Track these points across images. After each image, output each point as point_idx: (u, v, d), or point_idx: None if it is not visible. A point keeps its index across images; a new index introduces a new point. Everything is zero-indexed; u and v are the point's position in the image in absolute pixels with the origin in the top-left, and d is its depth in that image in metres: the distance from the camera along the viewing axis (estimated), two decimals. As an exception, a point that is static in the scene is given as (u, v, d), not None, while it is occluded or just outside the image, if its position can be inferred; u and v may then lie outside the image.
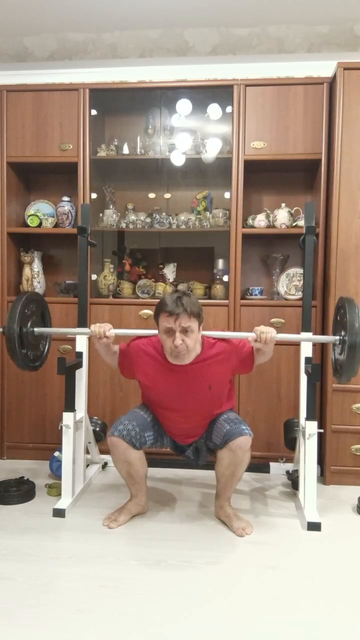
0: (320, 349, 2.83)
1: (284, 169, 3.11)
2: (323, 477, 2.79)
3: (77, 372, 2.55)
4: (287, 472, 2.76)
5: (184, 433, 2.36)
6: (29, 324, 2.31)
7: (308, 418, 2.34)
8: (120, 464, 2.27)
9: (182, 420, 2.31)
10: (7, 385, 3.07)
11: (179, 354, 2.12)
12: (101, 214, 3.16)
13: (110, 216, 3.13)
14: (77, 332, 2.59)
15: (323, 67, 2.87)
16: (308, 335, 2.52)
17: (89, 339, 2.73)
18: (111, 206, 3.21)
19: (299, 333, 2.64)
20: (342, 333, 2.13)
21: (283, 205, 2.99)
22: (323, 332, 2.86)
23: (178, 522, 2.32)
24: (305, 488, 2.32)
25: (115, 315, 2.99)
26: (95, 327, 2.26)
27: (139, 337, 2.34)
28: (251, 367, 2.30)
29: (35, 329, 2.35)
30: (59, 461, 2.64)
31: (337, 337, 2.19)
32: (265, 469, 2.93)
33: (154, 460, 2.75)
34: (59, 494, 2.47)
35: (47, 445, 3.00)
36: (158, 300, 2.21)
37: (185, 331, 2.09)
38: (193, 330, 2.11)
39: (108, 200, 3.24)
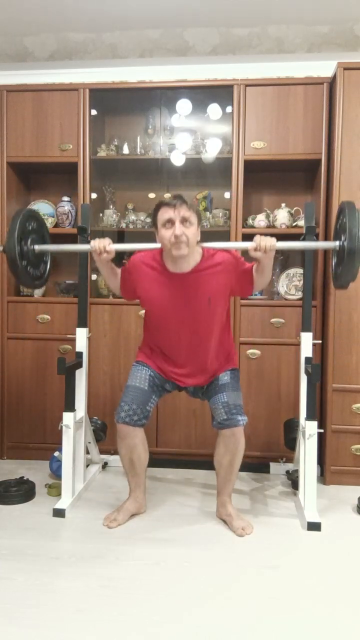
0: (320, 349, 2.83)
1: (284, 169, 3.11)
2: (323, 477, 2.79)
3: (77, 372, 2.55)
4: (287, 472, 2.76)
5: (185, 370, 2.30)
6: (29, 242, 2.27)
7: (308, 418, 2.34)
8: (124, 450, 2.30)
9: (182, 342, 2.25)
10: (7, 385, 3.07)
11: (179, 245, 2.09)
12: (101, 214, 3.16)
13: (110, 216, 3.13)
14: (78, 248, 2.57)
15: (323, 67, 2.87)
16: (310, 242, 2.49)
17: (89, 339, 2.74)
18: (111, 206, 3.21)
19: (299, 333, 2.64)
20: (342, 238, 2.12)
21: (283, 205, 2.99)
22: (323, 332, 2.86)
23: (178, 522, 2.32)
24: (305, 488, 2.32)
25: (115, 315, 2.99)
26: (95, 242, 2.24)
27: (140, 252, 2.34)
28: (250, 285, 2.26)
29: (36, 247, 2.31)
30: (59, 461, 2.64)
31: (337, 243, 2.18)
32: (265, 469, 2.93)
33: (154, 460, 2.74)
34: (59, 494, 2.47)
35: (47, 445, 3.00)
36: None
37: (184, 221, 2.09)
38: (192, 223, 2.11)
39: (108, 200, 3.24)
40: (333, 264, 2.29)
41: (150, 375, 2.33)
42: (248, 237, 2.92)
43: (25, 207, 3.21)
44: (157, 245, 2.21)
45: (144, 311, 2.41)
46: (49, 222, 3.11)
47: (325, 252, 2.83)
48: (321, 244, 2.68)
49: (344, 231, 2.09)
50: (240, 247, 2.31)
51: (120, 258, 3.26)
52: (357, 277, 2.12)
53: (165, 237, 2.11)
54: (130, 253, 2.39)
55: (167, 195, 2.15)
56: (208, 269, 2.20)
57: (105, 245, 2.22)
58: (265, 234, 2.98)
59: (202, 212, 3.11)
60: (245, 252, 2.20)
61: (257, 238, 2.13)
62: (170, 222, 2.09)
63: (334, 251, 2.25)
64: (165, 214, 2.11)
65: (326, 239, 2.82)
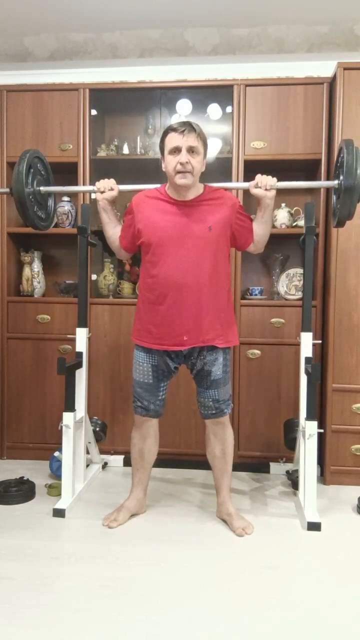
0: (320, 349, 2.83)
1: (284, 169, 3.10)
2: (323, 477, 2.79)
3: (77, 372, 2.55)
4: (287, 472, 2.76)
5: (181, 322, 2.19)
6: (35, 183, 2.32)
7: (308, 418, 2.34)
8: (136, 439, 2.36)
9: (180, 278, 2.16)
10: (7, 385, 3.07)
11: (184, 174, 2.10)
12: (100, 215, 3.14)
13: (110, 216, 3.13)
14: (82, 189, 2.67)
15: (323, 67, 2.88)
16: (310, 182, 2.54)
17: (89, 339, 2.74)
18: (111, 206, 3.21)
19: (299, 333, 2.64)
20: (341, 177, 2.14)
21: (283, 205, 2.99)
22: (323, 332, 2.86)
23: (178, 522, 2.32)
24: (305, 488, 2.32)
25: (116, 315, 2.99)
26: (100, 182, 2.30)
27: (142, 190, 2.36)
28: (250, 235, 2.28)
29: (42, 188, 2.35)
30: (59, 461, 2.64)
31: (336, 182, 2.20)
32: (265, 469, 2.93)
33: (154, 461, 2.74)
34: (59, 494, 2.47)
35: (47, 445, 3.00)
36: None
37: (191, 151, 2.10)
38: (199, 153, 2.12)
39: (108, 200, 3.23)
40: (333, 203, 2.34)
41: (153, 366, 2.27)
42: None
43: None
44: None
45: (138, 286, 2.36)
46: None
47: (325, 253, 2.83)
48: (321, 183, 2.70)
49: (342, 168, 2.12)
50: (241, 186, 2.39)
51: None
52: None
53: (170, 163, 2.13)
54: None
55: (177, 122, 2.16)
56: (210, 200, 2.23)
57: (110, 184, 2.29)
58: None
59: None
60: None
61: (258, 176, 2.18)
62: (177, 149, 2.10)
63: (335, 190, 2.28)
64: (172, 140, 2.11)
65: (326, 239, 2.82)
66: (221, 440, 2.32)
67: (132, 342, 2.35)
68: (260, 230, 2.29)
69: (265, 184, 2.19)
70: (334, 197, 2.32)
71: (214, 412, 2.28)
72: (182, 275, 2.17)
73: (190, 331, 2.19)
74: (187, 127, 2.10)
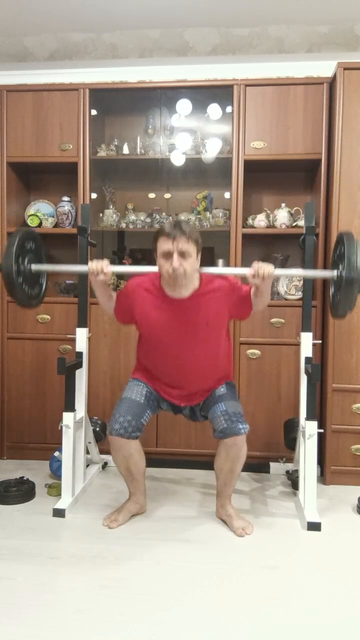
0: (320, 349, 2.83)
1: (284, 169, 3.11)
2: (323, 477, 2.79)
3: (77, 372, 2.55)
4: (287, 472, 2.76)
5: (180, 391, 2.30)
6: (26, 261, 2.27)
7: (308, 418, 2.34)
8: (119, 459, 2.27)
9: (178, 365, 2.25)
10: (7, 385, 3.07)
11: (176, 278, 2.09)
12: (101, 214, 3.16)
13: (110, 216, 3.13)
14: (75, 269, 2.57)
15: (323, 67, 2.88)
16: (308, 271, 2.51)
17: (89, 339, 2.74)
18: (111, 206, 3.21)
19: (299, 333, 2.64)
20: (340, 267, 2.11)
21: (283, 205, 2.99)
22: (323, 332, 2.86)
23: (178, 522, 2.32)
24: (305, 488, 2.32)
25: (115, 315, 2.99)
26: (92, 264, 2.24)
27: (137, 275, 2.33)
28: (249, 309, 2.27)
29: (33, 266, 2.31)
30: (59, 461, 2.64)
31: (335, 272, 2.18)
32: (265, 469, 2.93)
33: (154, 460, 2.75)
34: (59, 494, 2.47)
35: (47, 445, 3.00)
36: None
37: (183, 254, 2.07)
38: (191, 255, 2.09)
39: (108, 200, 3.24)
40: (331, 293, 2.29)
41: (147, 391, 2.32)
42: (248, 237, 2.95)
43: (25, 206, 3.21)
44: (155, 268, 2.20)
45: (137, 334, 2.40)
46: (49, 222, 3.11)
47: (325, 253, 2.83)
48: (320, 273, 2.67)
49: (342, 260, 2.08)
50: (238, 274, 2.31)
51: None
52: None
53: (163, 267, 2.12)
54: (128, 276, 2.38)
55: (168, 225, 2.11)
56: (206, 294, 2.20)
57: (102, 267, 2.22)
58: (265, 234, 3.02)
59: (202, 212, 3.11)
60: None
61: (255, 265, 2.12)
62: (169, 254, 2.09)
63: (332, 281, 2.24)
64: (164, 245, 2.09)
65: (326, 239, 2.82)
66: (232, 460, 2.22)
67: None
68: (258, 302, 2.26)
69: (262, 275, 2.11)
70: (331, 288, 2.28)
71: (225, 426, 2.16)
72: (180, 363, 2.27)
73: (185, 400, 2.34)
74: (178, 231, 2.06)
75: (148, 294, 2.25)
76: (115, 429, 2.21)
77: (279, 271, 2.18)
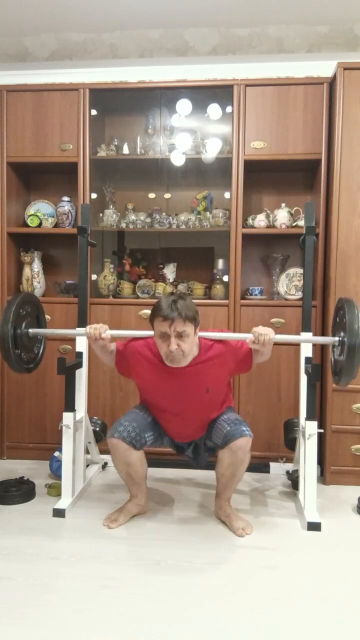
0: (320, 349, 2.83)
1: (284, 169, 3.11)
2: (323, 477, 2.79)
3: (77, 372, 2.55)
4: (287, 472, 2.76)
5: (182, 435, 2.36)
6: (23, 325, 2.30)
7: (308, 418, 2.34)
8: (120, 465, 2.27)
9: (180, 423, 2.30)
10: (7, 385, 3.07)
11: (174, 358, 2.10)
12: (101, 214, 3.16)
13: (110, 216, 3.13)
14: (72, 333, 2.58)
15: (323, 67, 2.88)
16: (308, 336, 2.52)
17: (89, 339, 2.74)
18: (111, 206, 3.21)
19: (299, 333, 2.64)
20: (342, 334, 2.12)
21: (283, 205, 2.99)
22: (323, 332, 2.86)
23: (178, 522, 2.32)
24: (305, 488, 2.32)
25: (115, 315, 2.99)
26: (90, 329, 2.24)
27: (136, 339, 2.32)
28: (249, 367, 2.29)
29: (30, 330, 2.34)
30: (59, 461, 2.64)
31: (337, 339, 2.18)
32: (265, 469, 2.93)
33: (154, 461, 2.74)
34: (59, 494, 2.47)
35: (47, 445, 3.00)
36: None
37: (180, 336, 2.06)
38: (188, 335, 2.08)
39: (108, 200, 3.24)
40: (332, 360, 2.29)
41: (153, 419, 2.34)
42: (248, 237, 2.95)
43: (25, 207, 3.20)
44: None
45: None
46: (49, 222, 3.11)
47: (325, 253, 2.83)
48: (321, 339, 2.65)
49: (343, 327, 2.07)
50: (238, 339, 2.26)
51: (120, 261, 3.26)
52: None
53: (161, 348, 2.12)
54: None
55: (165, 302, 2.09)
56: (206, 362, 2.19)
57: (100, 333, 2.22)
58: (265, 234, 3.02)
59: (202, 211, 3.11)
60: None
61: (254, 332, 2.12)
62: (166, 335, 2.07)
63: (333, 347, 2.25)
64: (160, 327, 2.08)
65: (326, 239, 2.82)
66: (235, 466, 2.20)
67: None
68: (259, 359, 2.26)
69: (262, 342, 2.11)
70: (332, 353, 2.29)
71: (229, 429, 2.18)
72: (179, 423, 2.29)
73: (188, 439, 2.38)
74: (175, 313, 2.03)
75: (146, 362, 2.24)
76: (119, 431, 2.20)
77: (280, 337, 2.17)
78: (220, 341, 2.24)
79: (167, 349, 2.08)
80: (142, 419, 2.28)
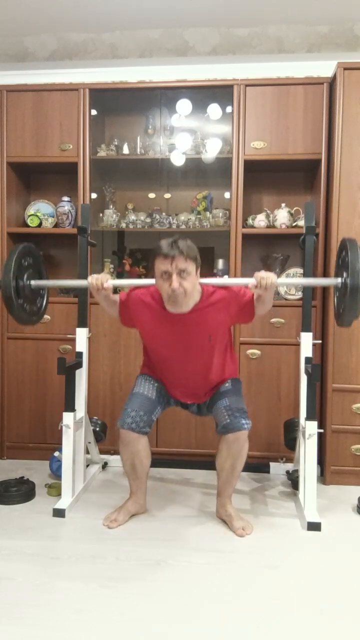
0: (320, 349, 2.83)
1: (284, 169, 3.11)
2: (323, 477, 2.79)
3: (77, 372, 2.55)
4: (287, 472, 2.76)
5: (187, 393, 2.35)
6: (25, 277, 2.26)
7: (308, 418, 2.34)
8: (126, 455, 2.28)
9: (183, 377, 2.29)
10: (7, 385, 3.07)
11: (176, 298, 2.08)
12: (101, 214, 3.16)
13: (110, 216, 3.13)
14: (75, 284, 2.56)
15: (323, 67, 2.88)
16: (310, 279, 2.49)
17: (89, 339, 2.74)
18: (111, 206, 3.21)
19: (298, 333, 2.64)
20: (344, 275, 2.09)
21: (283, 205, 2.99)
22: (323, 332, 2.86)
23: (178, 522, 2.32)
24: (305, 488, 2.32)
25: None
26: (92, 279, 2.22)
27: (138, 288, 2.31)
28: (251, 316, 2.25)
29: (32, 282, 2.30)
30: (59, 461, 2.64)
31: (339, 280, 2.15)
32: (265, 469, 2.93)
33: (154, 460, 2.74)
34: (59, 494, 2.47)
35: (47, 445, 3.00)
36: None
37: (182, 273, 2.05)
38: (190, 273, 2.06)
39: (108, 200, 3.24)
40: (335, 301, 2.27)
41: (158, 386, 2.34)
42: (248, 237, 2.95)
43: (25, 207, 3.20)
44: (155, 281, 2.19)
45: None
46: (49, 222, 3.11)
47: (325, 253, 2.83)
48: (323, 281, 2.66)
49: (346, 268, 2.05)
50: (240, 284, 2.26)
51: (120, 258, 3.27)
52: None
53: (162, 287, 2.10)
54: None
55: (165, 242, 2.08)
56: (208, 307, 2.19)
57: (102, 282, 2.21)
58: (265, 234, 3.02)
59: (202, 211, 3.11)
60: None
61: (257, 276, 2.10)
62: (167, 274, 2.06)
63: (336, 288, 2.23)
64: (161, 265, 2.06)
65: (326, 239, 2.82)
66: (233, 457, 2.22)
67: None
68: (261, 308, 2.24)
69: (264, 285, 2.09)
70: (334, 295, 2.27)
71: (228, 421, 2.17)
72: (182, 376, 2.30)
73: (191, 398, 2.38)
74: (176, 250, 2.03)
75: (148, 309, 2.24)
76: (127, 422, 2.21)
77: (282, 280, 2.15)
78: (222, 287, 2.23)
79: (168, 288, 2.06)
80: (146, 401, 2.26)
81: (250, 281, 2.13)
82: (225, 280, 2.27)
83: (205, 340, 2.21)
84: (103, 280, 2.21)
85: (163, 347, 2.27)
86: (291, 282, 2.51)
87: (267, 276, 2.09)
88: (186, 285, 2.07)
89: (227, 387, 2.32)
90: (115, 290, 2.33)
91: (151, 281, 2.22)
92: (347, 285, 2.01)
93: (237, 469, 2.26)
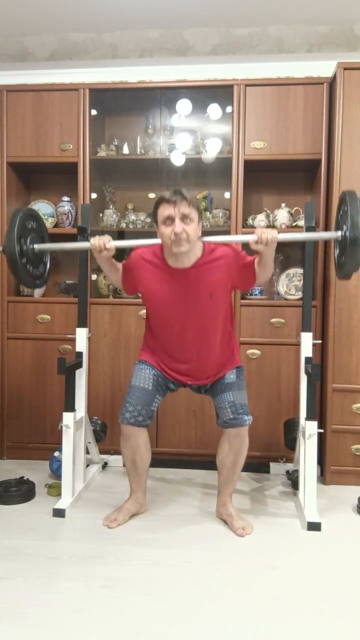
0: (320, 349, 2.83)
1: (284, 169, 3.11)
2: (323, 477, 2.79)
3: (77, 372, 2.55)
4: (287, 472, 2.76)
5: (187, 368, 2.29)
6: (28, 240, 2.27)
7: (308, 418, 2.34)
8: (127, 450, 2.30)
9: (184, 343, 2.25)
10: (7, 385, 3.07)
11: (180, 242, 2.07)
12: (101, 214, 3.16)
13: (110, 216, 3.13)
14: (77, 246, 2.55)
15: (323, 67, 2.88)
16: (311, 234, 2.51)
17: (89, 339, 2.74)
18: (111, 206, 3.21)
19: (299, 333, 2.64)
20: (344, 228, 2.10)
21: (283, 205, 2.99)
22: (323, 332, 2.86)
23: (178, 522, 2.32)
24: (305, 488, 2.32)
25: (115, 315, 2.99)
26: (95, 240, 2.23)
27: (139, 247, 2.32)
28: (252, 280, 2.25)
29: (35, 246, 2.30)
30: (59, 461, 2.64)
31: (339, 233, 2.16)
32: (265, 469, 2.93)
33: (154, 460, 2.74)
34: (59, 494, 2.47)
35: (47, 445, 3.00)
36: None
37: (185, 218, 2.06)
38: (193, 220, 2.08)
39: (108, 200, 3.24)
40: (336, 254, 2.28)
41: (154, 375, 2.31)
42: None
43: (25, 206, 3.21)
44: (157, 241, 2.20)
45: (144, 311, 2.39)
46: (49, 222, 3.11)
47: (325, 252, 2.83)
48: (323, 235, 2.67)
49: (345, 220, 2.08)
50: (241, 241, 2.29)
51: (120, 257, 3.26)
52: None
53: (165, 234, 2.10)
54: (131, 250, 2.38)
55: (168, 192, 2.12)
56: (209, 263, 2.19)
57: (104, 243, 2.21)
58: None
59: (202, 212, 3.11)
60: (246, 246, 2.18)
61: (258, 231, 2.11)
62: (170, 219, 2.08)
63: (336, 241, 2.23)
64: (165, 210, 2.08)
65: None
66: (235, 452, 2.25)
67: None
68: (262, 272, 2.24)
69: (265, 240, 2.08)
70: (335, 249, 2.28)
71: (231, 417, 2.20)
72: (185, 338, 2.25)
73: (192, 377, 2.32)
74: (179, 196, 2.06)
75: (150, 266, 2.24)
76: (127, 417, 2.24)
77: (282, 236, 2.15)
78: (224, 245, 2.24)
79: (171, 233, 2.06)
80: (143, 393, 2.26)
81: (251, 237, 2.13)
82: (226, 237, 2.32)
83: (206, 298, 2.19)
84: (105, 240, 2.22)
85: (164, 307, 2.23)
86: (292, 237, 2.43)
87: (267, 231, 2.10)
88: (189, 230, 2.07)
89: (232, 378, 2.29)
90: (121, 257, 2.32)
91: (154, 241, 2.23)
92: (346, 238, 2.04)
93: (238, 465, 2.27)
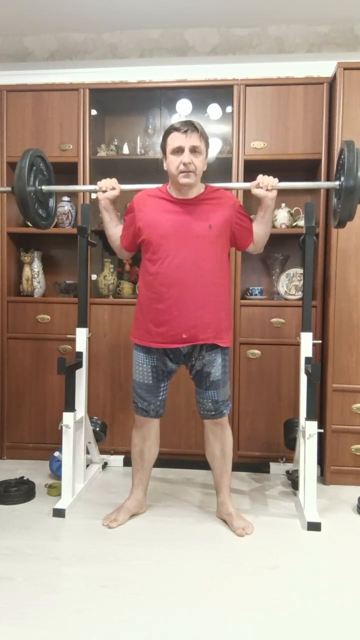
0: (320, 349, 2.83)
1: (284, 169, 3.10)
2: (323, 477, 2.79)
3: (77, 372, 2.55)
4: (287, 472, 2.76)
5: (180, 319, 2.18)
6: (37, 182, 2.34)
7: (308, 418, 2.34)
8: (137, 438, 2.36)
9: (180, 276, 2.16)
10: (7, 385, 3.07)
11: (188, 173, 2.11)
12: (101, 214, 3.15)
13: (110, 216, 3.13)
14: (85, 189, 2.65)
15: (323, 67, 2.88)
16: (311, 183, 2.59)
17: (89, 339, 2.74)
18: (111, 206, 3.21)
19: (298, 333, 2.64)
20: (342, 178, 2.15)
21: (283, 205, 2.99)
22: (323, 332, 2.86)
23: (178, 522, 2.32)
24: (305, 488, 2.32)
25: (116, 315, 2.99)
26: (102, 183, 2.31)
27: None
28: (249, 236, 2.30)
29: (43, 187, 2.37)
30: (59, 461, 2.64)
31: (337, 183, 2.21)
32: (265, 469, 2.93)
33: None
34: (59, 494, 2.47)
35: (47, 445, 3.00)
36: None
37: (194, 151, 2.11)
38: (201, 153, 2.14)
39: (108, 200, 3.23)
40: (333, 205, 2.34)
41: (152, 366, 2.28)
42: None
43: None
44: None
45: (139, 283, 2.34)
46: (49, 222, 3.11)
47: (325, 253, 2.83)
48: (322, 184, 2.69)
49: (343, 169, 2.13)
50: (242, 187, 2.41)
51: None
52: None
53: (173, 163, 2.14)
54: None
55: (179, 122, 2.18)
56: (210, 199, 2.24)
57: (113, 183, 2.30)
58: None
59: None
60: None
61: (259, 177, 2.19)
62: (180, 149, 2.11)
63: (336, 191, 2.29)
64: (175, 140, 2.12)
65: (326, 239, 2.83)
66: (220, 440, 2.32)
67: (131, 343, 2.35)
68: (260, 231, 2.31)
69: (266, 184, 2.21)
70: (334, 198, 2.32)
71: (212, 412, 2.29)
72: (182, 273, 2.17)
73: (190, 329, 2.18)
74: (190, 126, 2.11)
75: (153, 198, 2.26)
76: (140, 408, 2.34)
77: (283, 184, 2.25)
78: (226, 189, 2.32)
79: (179, 162, 2.11)
80: (147, 388, 2.30)
81: (252, 183, 2.24)
82: (227, 183, 2.48)
83: (206, 229, 2.19)
84: (113, 182, 2.31)
85: (164, 238, 2.17)
86: (291, 185, 2.43)
87: (269, 177, 2.21)
88: (197, 162, 2.12)
89: (217, 376, 2.24)
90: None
91: (160, 185, 2.30)
92: (342, 187, 2.11)
93: (227, 454, 2.32)
